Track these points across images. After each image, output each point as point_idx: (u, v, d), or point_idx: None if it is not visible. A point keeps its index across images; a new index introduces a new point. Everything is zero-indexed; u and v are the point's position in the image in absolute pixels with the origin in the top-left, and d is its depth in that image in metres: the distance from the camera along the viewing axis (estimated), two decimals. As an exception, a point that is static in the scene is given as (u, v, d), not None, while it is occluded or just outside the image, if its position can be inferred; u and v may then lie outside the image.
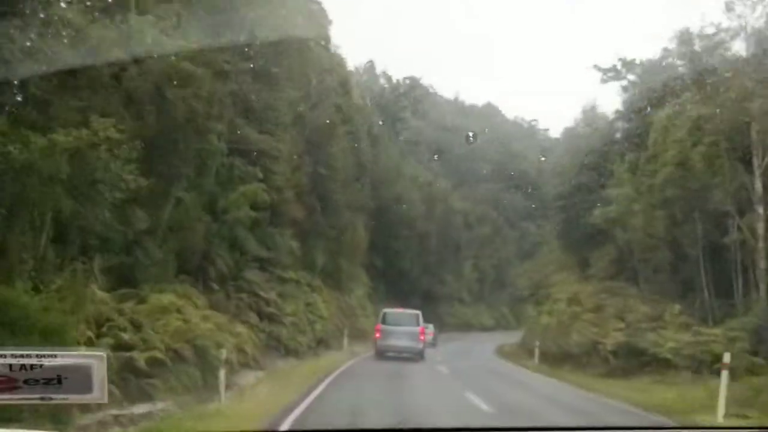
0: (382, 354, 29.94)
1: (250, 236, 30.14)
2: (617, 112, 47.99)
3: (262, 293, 30.43)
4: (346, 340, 38.26)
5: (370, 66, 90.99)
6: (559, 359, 35.21)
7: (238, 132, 28.73)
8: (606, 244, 40.88)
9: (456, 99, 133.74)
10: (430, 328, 45.39)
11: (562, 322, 36.43)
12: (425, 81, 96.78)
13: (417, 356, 29.55)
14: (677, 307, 31.35)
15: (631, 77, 63.73)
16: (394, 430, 9.59)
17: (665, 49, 45.77)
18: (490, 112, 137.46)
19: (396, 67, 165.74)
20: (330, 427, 12.33)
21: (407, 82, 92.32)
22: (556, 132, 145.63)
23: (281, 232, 33.89)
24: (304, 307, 33.78)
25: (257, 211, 30.20)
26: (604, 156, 42.97)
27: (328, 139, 40.39)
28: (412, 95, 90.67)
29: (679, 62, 40.82)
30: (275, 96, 32.54)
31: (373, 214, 55.41)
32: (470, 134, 67.19)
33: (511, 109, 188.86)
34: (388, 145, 67.21)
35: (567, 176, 49.93)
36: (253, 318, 28.51)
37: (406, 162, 73.07)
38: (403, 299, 68.39)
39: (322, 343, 34.98)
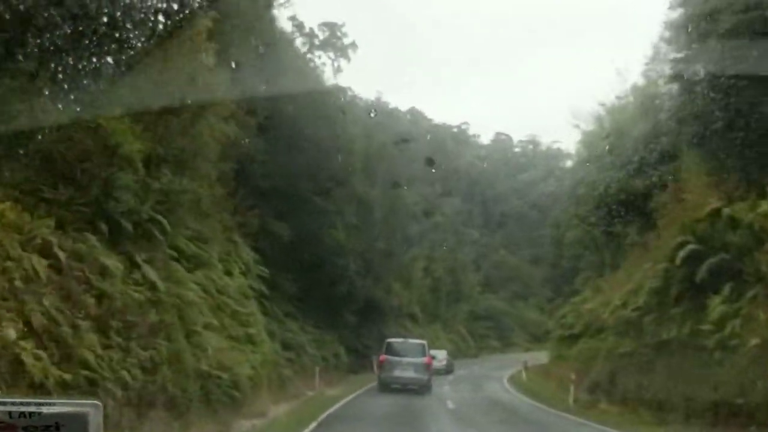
0: (386, 387, 23.26)
1: None
2: None
3: None
4: None
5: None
6: None
7: None
8: None
9: (379, 100, 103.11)
10: (442, 354, 35.26)
11: None
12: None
13: (423, 389, 22.73)
14: None
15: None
16: None
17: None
18: (414, 115, 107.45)
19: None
20: None
21: (325, 30, 59.81)
22: (486, 139, 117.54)
23: None
24: None
25: None
26: None
27: None
28: (333, 43, 58.26)
29: None
30: None
31: (273, 126, 22.88)
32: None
33: (437, 114, 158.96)
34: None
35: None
36: None
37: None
38: (330, 311, 35.86)
39: None
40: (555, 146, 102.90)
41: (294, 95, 26.40)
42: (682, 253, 14.52)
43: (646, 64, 33.03)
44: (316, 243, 27.57)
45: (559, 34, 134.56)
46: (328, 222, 28.23)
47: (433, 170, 75.69)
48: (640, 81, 34.30)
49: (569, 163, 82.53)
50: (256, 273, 22.28)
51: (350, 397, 20.82)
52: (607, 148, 31.04)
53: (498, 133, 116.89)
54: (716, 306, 13.81)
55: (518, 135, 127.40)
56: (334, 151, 30.38)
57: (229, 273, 18.72)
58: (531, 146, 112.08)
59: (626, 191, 29.14)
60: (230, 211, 20.16)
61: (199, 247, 15.17)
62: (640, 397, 17.12)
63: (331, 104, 33.79)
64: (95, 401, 2.62)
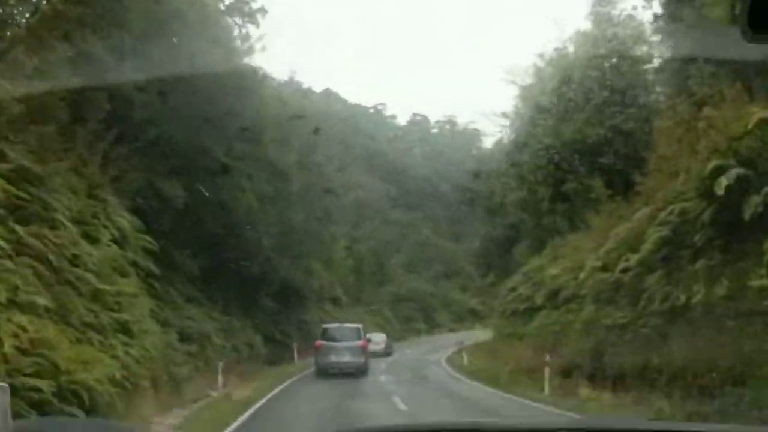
0: (324, 371, 22.90)
1: None
2: None
3: None
4: None
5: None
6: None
7: None
8: None
9: (291, 80, 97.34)
10: (380, 338, 34.96)
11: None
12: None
13: (360, 372, 22.94)
14: None
15: None
16: None
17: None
18: (329, 96, 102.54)
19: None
20: None
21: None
22: (403, 120, 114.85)
23: None
24: None
25: None
26: None
27: None
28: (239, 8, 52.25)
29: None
30: None
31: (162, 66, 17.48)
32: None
33: (352, 95, 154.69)
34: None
35: None
36: None
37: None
38: (242, 294, 29.84)
39: None
40: (472, 126, 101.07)
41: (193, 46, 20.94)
42: (724, 181, 10.19)
43: (593, 6, 29.34)
44: (221, 210, 22.25)
45: (472, 14, 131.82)
46: (236, 185, 22.92)
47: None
48: (585, 25, 30.63)
49: (487, 143, 79.77)
50: (140, 244, 16.86)
51: (265, 399, 15.73)
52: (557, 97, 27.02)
53: (415, 114, 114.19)
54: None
55: (435, 116, 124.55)
56: (244, 108, 25.01)
57: (92, 239, 13.33)
58: (448, 126, 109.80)
59: (581, 141, 25.27)
60: (98, 159, 14.76)
61: (27, 192, 9.81)
62: (647, 380, 12.85)
63: (241, 64, 28.35)
64: (2, 383, 2.55)
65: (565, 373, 16.67)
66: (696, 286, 11.67)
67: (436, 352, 35.72)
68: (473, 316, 69.63)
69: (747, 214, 10.09)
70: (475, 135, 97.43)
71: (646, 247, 13.29)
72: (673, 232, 12.63)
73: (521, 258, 30.64)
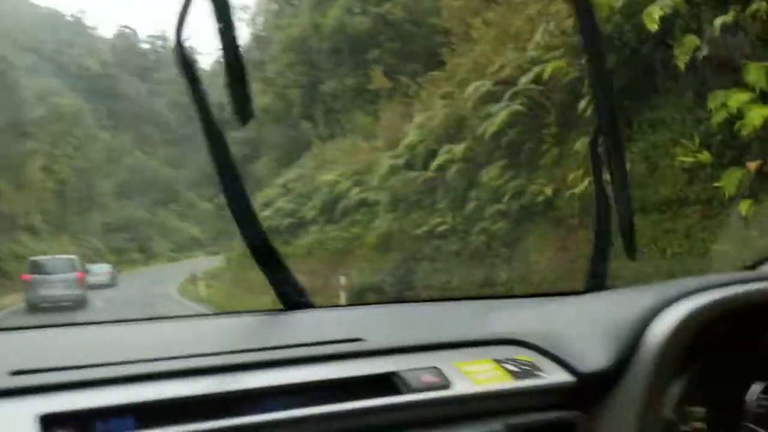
0: (35, 308, 20.85)
1: None
2: None
3: None
4: None
5: None
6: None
7: None
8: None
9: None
10: (102, 269, 33.41)
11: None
12: None
13: (78, 305, 21.36)
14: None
15: None
16: None
17: None
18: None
19: None
20: None
21: None
22: (108, 32, 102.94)
23: None
24: None
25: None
26: None
27: None
28: None
29: None
30: None
31: None
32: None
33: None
34: None
35: None
36: None
37: None
38: None
39: None
40: (187, 44, 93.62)
41: None
42: (657, 11, 6.90)
43: None
44: None
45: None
46: None
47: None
48: None
49: (204, 63, 73.30)
50: None
51: None
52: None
53: (122, 26, 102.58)
54: (738, 101, 6.50)
55: (147, 30, 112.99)
56: None
57: None
58: (161, 42, 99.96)
59: (342, 33, 21.48)
60: None
61: None
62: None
63: None
64: None
65: (358, 298, 13.07)
66: (573, 174, 8.46)
67: (162, 283, 30.49)
68: (195, 244, 64.59)
69: (681, 62, 6.95)
70: (192, 51, 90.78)
71: (488, 131, 9.85)
72: (531, 106, 9.31)
73: (267, 174, 26.40)
